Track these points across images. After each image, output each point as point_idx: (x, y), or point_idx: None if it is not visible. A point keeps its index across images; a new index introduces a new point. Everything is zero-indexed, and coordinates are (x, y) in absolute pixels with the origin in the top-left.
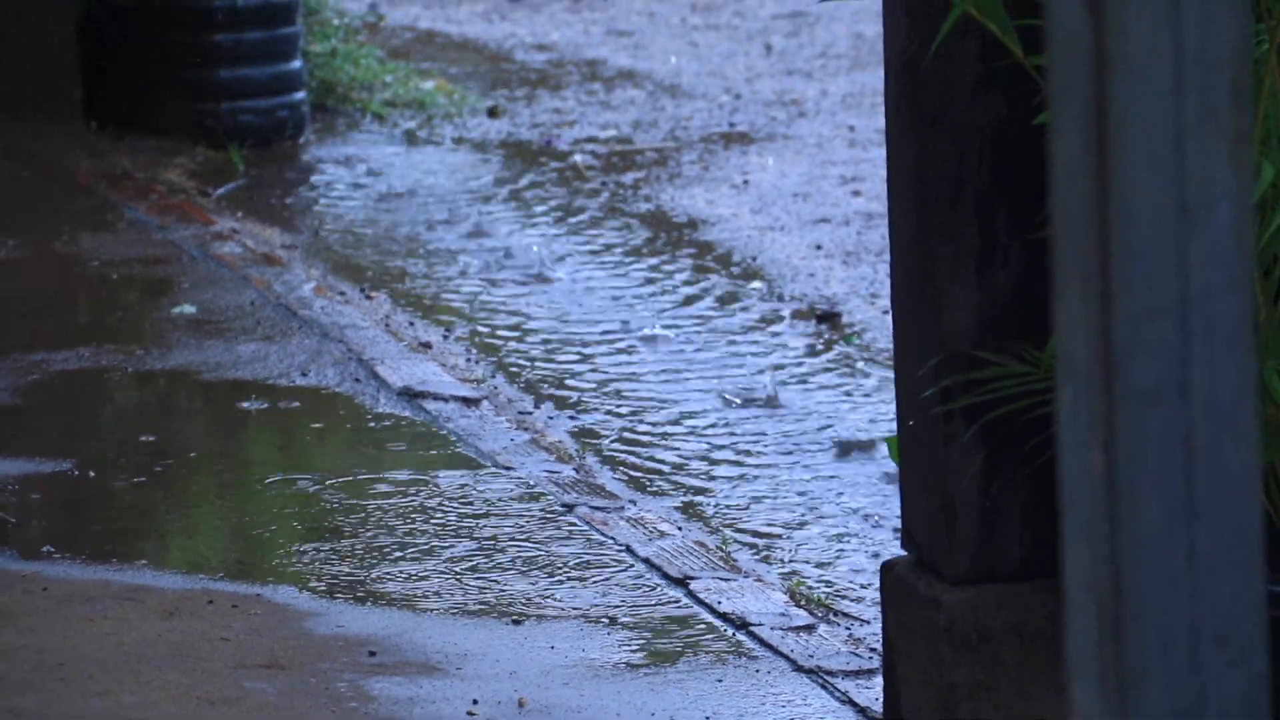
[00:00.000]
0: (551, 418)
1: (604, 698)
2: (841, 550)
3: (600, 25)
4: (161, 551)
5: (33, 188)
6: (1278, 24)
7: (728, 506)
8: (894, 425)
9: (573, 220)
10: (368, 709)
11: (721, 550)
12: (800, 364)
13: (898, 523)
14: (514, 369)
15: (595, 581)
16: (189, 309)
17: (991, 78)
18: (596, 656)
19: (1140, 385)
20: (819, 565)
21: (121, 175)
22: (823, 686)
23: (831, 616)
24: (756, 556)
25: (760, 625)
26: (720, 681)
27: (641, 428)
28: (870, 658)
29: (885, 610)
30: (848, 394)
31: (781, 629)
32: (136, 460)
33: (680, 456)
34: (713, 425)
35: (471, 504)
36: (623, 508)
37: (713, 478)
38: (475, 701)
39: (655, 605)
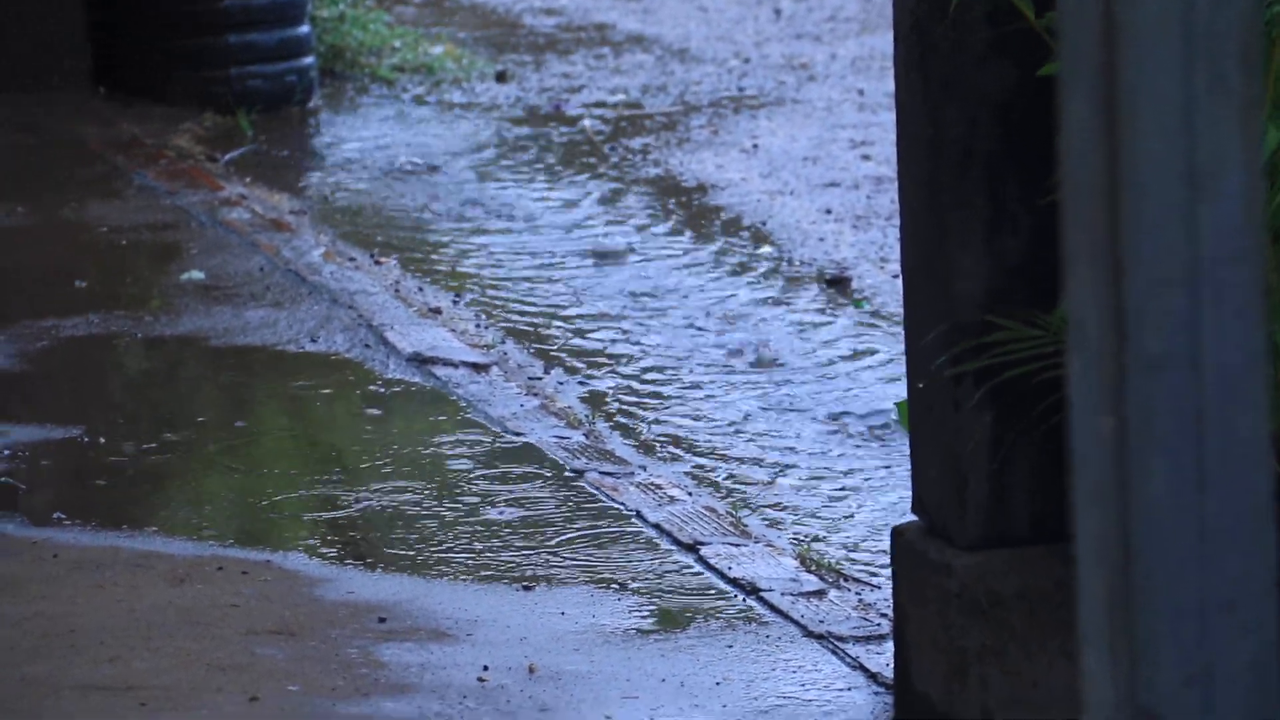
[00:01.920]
0: (561, 383)
1: (614, 663)
2: (851, 515)
3: None
4: (171, 518)
5: (41, 155)
6: None
7: (739, 472)
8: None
9: (582, 185)
10: (378, 675)
11: (732, 515)
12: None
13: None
14: (523, 334)
15: (605, 547)
16: (198, 275)
17: (1002, 43)
18: (607, 622)
19: (1150, 354)
20: (829, 530)
21: (130, 142)
22: (833, 652)
23: (842, 581)
24: (766, 522)
25: (770, 590)
26: (730, 647)
27: (652, 393)
28: (880, 623)
29: (895, 575)
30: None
31: (792, 594)
32: (146, 427)
33: (692, 421)
34: (724, 390)
35: (481, 470)
36: (633, 473)
37: (725, 443)
38: (486, 667)
39: (665, 571)
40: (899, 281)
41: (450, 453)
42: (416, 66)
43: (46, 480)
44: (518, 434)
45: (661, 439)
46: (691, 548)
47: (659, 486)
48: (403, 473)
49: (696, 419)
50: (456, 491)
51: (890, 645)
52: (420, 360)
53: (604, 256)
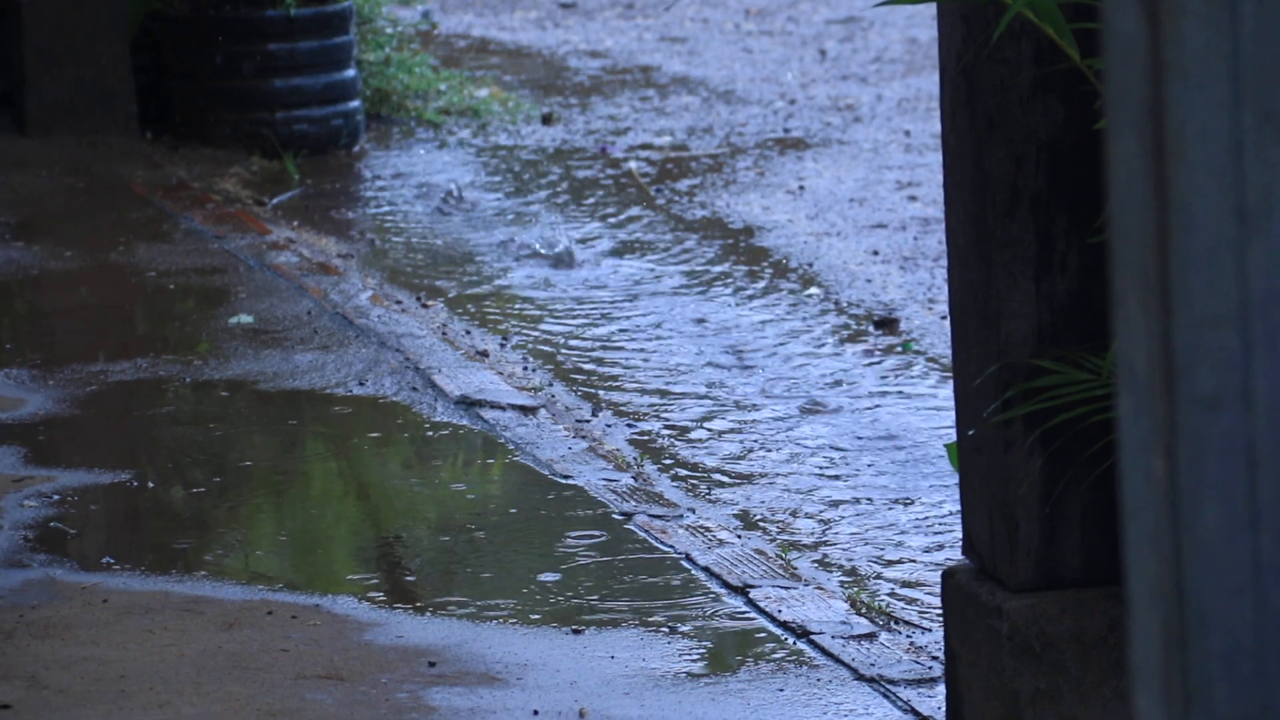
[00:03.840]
0: (609, 425)
1: (664, 708)
2: (902, 557)
3: (653, 32)
4: (221, 562)
5: (89, 199)
6: None
7: (789, 513)
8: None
9: (629, 227)
10: None
11: (781, 558)
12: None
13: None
14: (571, 376)
15: (654, 590)
16: (246, 319)
17: (1048, 82)
18: (657, 666)
19: (1201, 393)
20: (879, 571)
21: (177, 185)
22: (885, 695)
23: (893, 624)
24: (816, 564)
25: (821, 634)
26: (781, 691)
27: (701, 435)
28: (932, 666)
29: (947, 618)
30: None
31: (843, 637)
32: (195, 471)
33: (741, 465)
34: (773, 432)
35: (529, 513)
36: (681, 516)
37: (774, 483)
38: (536, 712)
39: (715, 614)
40: (947, 323)
41: (498, 495)
42: (462, 110)
43: (96, 525)
44: (566, 476)
45: (711, 481)
46: (741, 590)
47: (708, 529)
48: (451, 516)
49: (746, 460)
50: (504, 534)
51: (942, 688)
52: (468, 403)
53: (649, 295)
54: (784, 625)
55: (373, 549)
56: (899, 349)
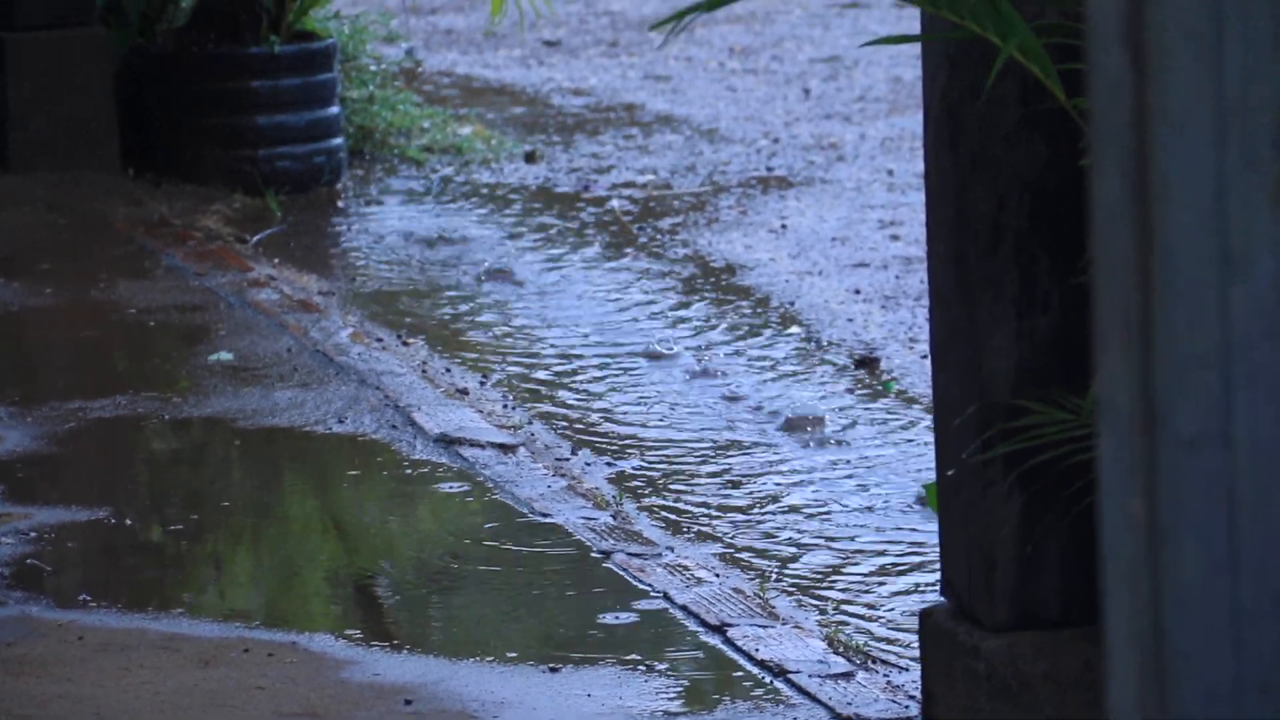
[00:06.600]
0: (589, 464)
1: None
2: (881, 596)
3: (637, 70)
4: (197, 600)
5: (71, 235)
6: None
7: (768, 552)
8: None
9: (611, 266)
10: None
11: (760, 596)
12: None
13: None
14: (551, 415)
15: (632, 629)
16: (226, 356)
17: (1032, 121)
18: (634, 704)
19: (1182, 433)
20: (857, 610)
21: (159, 222)
22: None
23: (870, 663)
24: (795, 603)
25: (798, 673)
26: None
27: (680, 473)
28: (909, 705)
29: (924, 657)
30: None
31: (820, 676)
32: (173, 508)
33: (720, 502)
34: (754, 470)
35: (508, 551)
36: (660, 554)
37: (753, 524)
38: None
39: (693, 652)
40: (928, 362)
41: (476, 533)
42: (445, 147)
43: (73, 562)
44: (545, 515)
45: (690, 520)
46: (719, 629)
47: (686, 568)
48: (429, 553)
49: (726, 500)
50: (482, 572)
51: None
52: (447, 441)
53: (628, 333)
54: (761, 664)
55: (350, 587)
56: (879, 387)
